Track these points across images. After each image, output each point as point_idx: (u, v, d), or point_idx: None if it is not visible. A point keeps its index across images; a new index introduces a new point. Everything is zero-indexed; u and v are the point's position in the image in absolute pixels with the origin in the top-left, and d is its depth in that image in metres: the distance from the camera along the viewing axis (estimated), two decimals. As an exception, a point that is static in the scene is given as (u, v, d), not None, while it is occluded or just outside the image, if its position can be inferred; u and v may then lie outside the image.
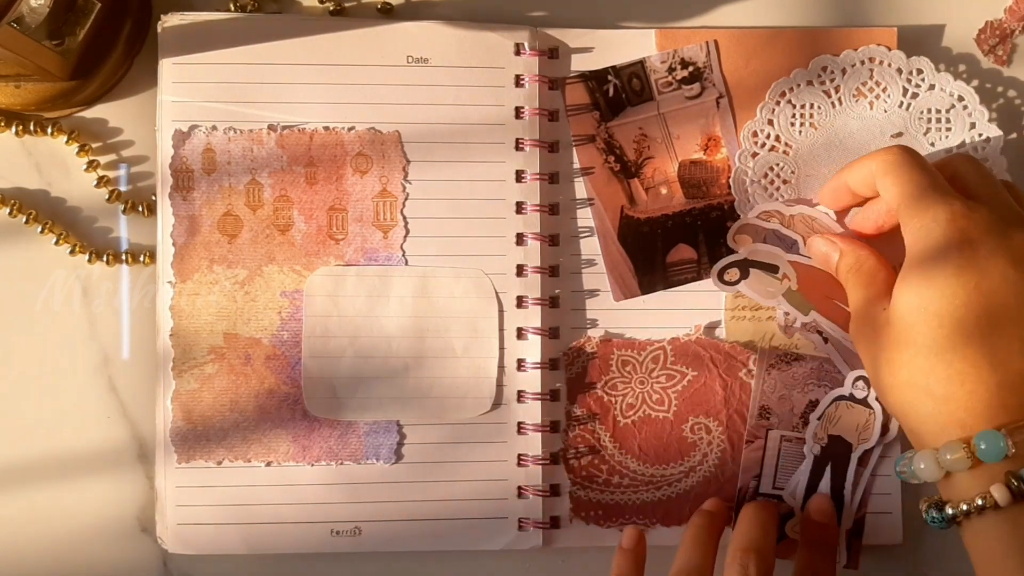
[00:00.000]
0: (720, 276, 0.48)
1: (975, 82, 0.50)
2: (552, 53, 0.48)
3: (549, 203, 0.48)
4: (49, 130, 0.47)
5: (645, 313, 0.48)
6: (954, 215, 0.39)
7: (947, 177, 0.42)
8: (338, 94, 0.47)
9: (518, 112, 0.48)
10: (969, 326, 0.38)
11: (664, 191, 0.49)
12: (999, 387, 0.37)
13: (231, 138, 0.47)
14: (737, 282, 0.48)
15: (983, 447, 0.37)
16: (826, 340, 0.48)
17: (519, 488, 0.47)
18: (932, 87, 0.48)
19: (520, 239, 0.48)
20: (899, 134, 0.48)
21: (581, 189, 0.49)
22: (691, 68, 0.48)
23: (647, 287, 0.48)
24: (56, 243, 0.47)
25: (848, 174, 0.44)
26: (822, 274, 0.47)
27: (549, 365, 0.48)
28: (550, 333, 0.48)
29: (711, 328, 0.49)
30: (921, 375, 0.39)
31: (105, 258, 0.47)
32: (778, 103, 0.48)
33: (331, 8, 0.48)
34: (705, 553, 0.44)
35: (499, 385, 0.48)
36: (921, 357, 0.39)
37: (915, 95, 0.48)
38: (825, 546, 0.46)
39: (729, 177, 0.48)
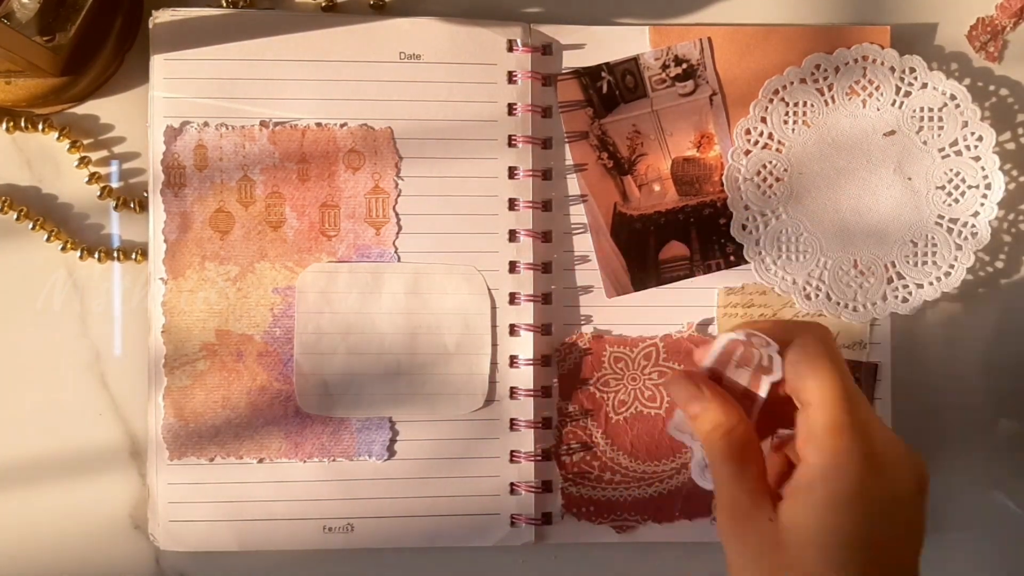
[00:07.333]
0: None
1: (968, 80, 0.50)
2: (545, 49, 0.48)
3: (542, 199, 0.48)
4: (40, 126, 0.47)
5: (638, 310, 0.48)
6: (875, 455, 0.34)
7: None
8: (330, 90, 0.47)
9: (511, 108, 0.48)
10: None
11: (657, 188, 0.49)
12: None
13: (223, 134, 0.47)
14: None
15: None
16: None
17: (511, 484, 0.47)
18: (925, 85, 0.48)
19: (513, 235, 0.48)
20: (891, 132, 0.48)
21: (574, 185, 0.48)
22: (685, 65, 0.48)
23: (640, 284, 0.48)
24: (47, 240, 0.47)
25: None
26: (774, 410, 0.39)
27: (542, 361, 0.48)
28: (543, 329, 0.48)
29: (704, 325, 0.49)
30: None
31: (97, 255, 0.47)
32: (771, 101, 0.48)
33: (323, 4, 0.48)
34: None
35: (492, 381, 0.48)
36: None
37: (908, 93, 0.48)
38: None
39: (722, 174, 0.48)
